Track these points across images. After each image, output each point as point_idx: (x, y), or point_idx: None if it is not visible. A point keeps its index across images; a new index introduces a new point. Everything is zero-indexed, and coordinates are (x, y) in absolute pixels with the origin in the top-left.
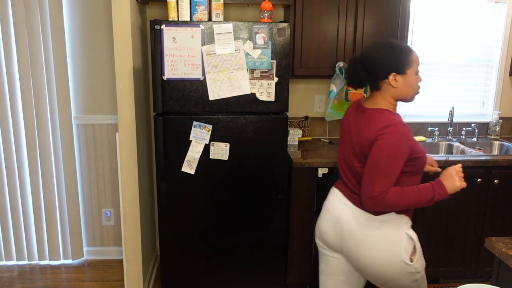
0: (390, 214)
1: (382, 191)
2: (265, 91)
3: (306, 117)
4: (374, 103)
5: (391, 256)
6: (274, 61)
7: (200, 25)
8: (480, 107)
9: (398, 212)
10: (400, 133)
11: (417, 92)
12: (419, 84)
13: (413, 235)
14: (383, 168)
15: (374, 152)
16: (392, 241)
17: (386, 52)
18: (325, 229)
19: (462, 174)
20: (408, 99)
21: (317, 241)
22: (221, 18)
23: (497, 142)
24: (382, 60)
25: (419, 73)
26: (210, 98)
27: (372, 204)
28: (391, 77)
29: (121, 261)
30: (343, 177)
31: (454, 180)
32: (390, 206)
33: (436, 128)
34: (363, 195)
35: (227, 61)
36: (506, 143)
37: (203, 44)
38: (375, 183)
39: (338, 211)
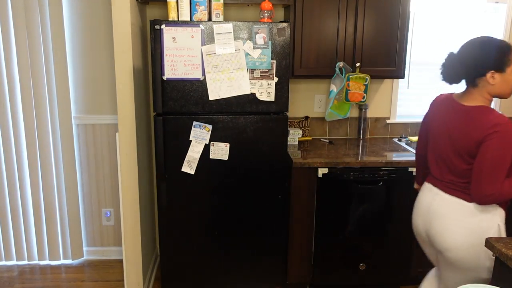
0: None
1: (499, 187)
2: (265, 91)
3: (306, 117)
4: (471, 99)
5: (478, 243)
6: (274, 61)
7: (200, 25)
8: None
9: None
10: (509, 131)
11: None
12: None
13: (503, 229)
14: (497, 167)
15: (487, 152)
16: (483, 229)
17: (485, 49)
18: (416, 221)
19: None
20: (504, 96)
21: (416, 236)
22: (221, 18)
23: None
24: (480, 57)
25: None
26: (210, 98)
27: (489, 201)
28: (489, 74)
29: (121, 261)
30: (434, 171)
31: None
32: (503, 199)
33: None
34: (479, 194)
35: (227, 61)
36: None
37: (203, 44)
38: (493, 182)
39: (428, 200)
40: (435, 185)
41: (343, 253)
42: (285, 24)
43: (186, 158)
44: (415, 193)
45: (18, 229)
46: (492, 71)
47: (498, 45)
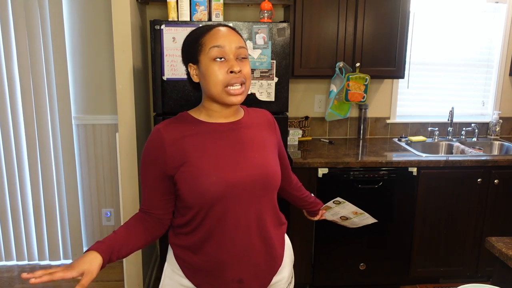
0: None
1: None
2: (265, 91)
3: (306, 117)
4: None
5: None
6: (274, 61)
7: (200, 25)
8: (480, 107)
9: None
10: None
11: None
12: None
13: None
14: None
15: None
16: None
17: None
18: None
19: None
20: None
21: None
22: (221, 18)
23: (497, 142)
24: None
25: None
26: None
27: None
28: None
29: (121, 261)
30: None
31: None
32: None
33: (436, 128)
34: None
35: None
36: (506, 143)
37: None
38: None
39: None
40: None
41: (343, 253)
42: (285, 24)
43: None
44: (415, 193)
45: (18, 229)
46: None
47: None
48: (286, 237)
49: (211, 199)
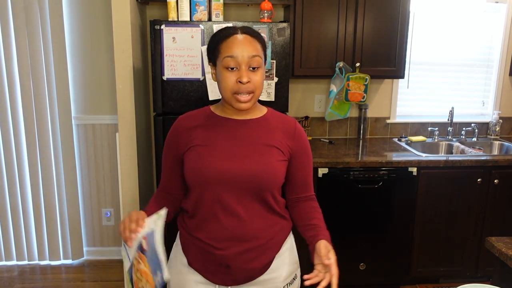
0: None
1: None
2: (265, 91)
3: (306, 117)
4: None
5: None
6: (274, 61)
7: (200, 25)
8: (480, 107)
9: None
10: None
11: None
12: None
13: None
14: None
15: None
16: None
17: None
18: None
19: None
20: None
21: None
22: (221, 18)
23: (497, 142)
24: None
25: None
26: (210, 98)
27: None
28: None
29: (121, 261)
30: None
31: None
32: None
33: (436, 128)
34: None
35: None
36: (506, 143)
37: (203, 44)
38: None
39: None
40: None
41: (343, 253)
42: (285, 24)
43: None
44: (415, 192)
45: (18, 229)
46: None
47: None
48: (290, 239)
49: (203, 181)
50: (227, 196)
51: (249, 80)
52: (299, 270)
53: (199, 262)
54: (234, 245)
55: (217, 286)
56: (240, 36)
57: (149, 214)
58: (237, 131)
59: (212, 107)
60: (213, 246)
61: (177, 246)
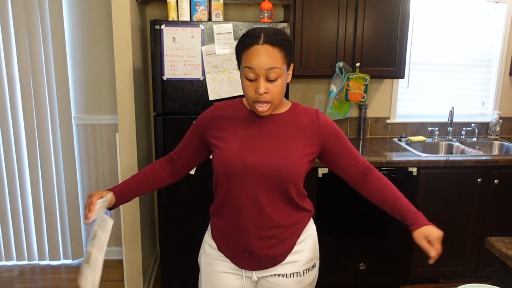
0: None
1: None
2: None
3: None
4: None
5: None
6: None
7: (200, 25)
8: (480, 107)
9: None
10: None
11: None
12: None
13: None
14: None
15: None
16: None
17: None
18: None
19: None
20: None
21: None
22: (221, 18)
23: (497, 142)
24: None
25: None
26: (210, 98)
27: None
28: None
29: (121, 261)
30: None
31: None
32: None
33: (436, 128)
34: None
35: (227, 61)
36: (506, 143)
37: (203, 44)
38: None
39: None
40: None
41: (343, 253)
42: (285, 24)
43: None
44: (415, 192)
45: (18, 229)
46: None
47: None
48: (311, 226)
49: (232, 173)
50: (253, 188)
51: (267, 91)
52: (318, 260)
53: (226, 248)
54: (256, 233)
55: (243, 270)
56: (260, 48)
57: (121, 188)
58: (260, 127)
59: (244, 100)
60: (237, 233)
61: (208, 231)
